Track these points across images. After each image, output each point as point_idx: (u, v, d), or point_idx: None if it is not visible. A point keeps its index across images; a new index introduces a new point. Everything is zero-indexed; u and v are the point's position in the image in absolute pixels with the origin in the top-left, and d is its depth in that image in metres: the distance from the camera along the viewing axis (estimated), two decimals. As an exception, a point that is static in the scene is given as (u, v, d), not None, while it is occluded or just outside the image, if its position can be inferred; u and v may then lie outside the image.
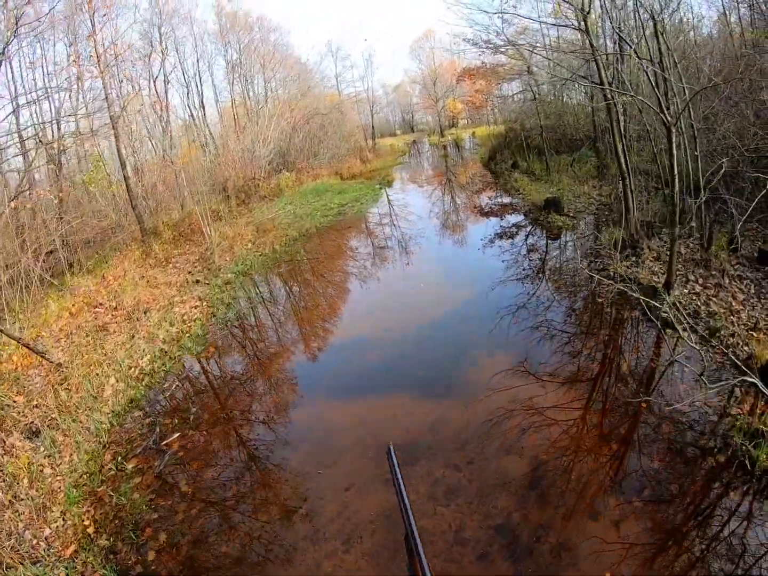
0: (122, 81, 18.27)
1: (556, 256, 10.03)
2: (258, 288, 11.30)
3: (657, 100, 5.99)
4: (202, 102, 26.80)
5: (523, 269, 9.40)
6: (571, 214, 12.11)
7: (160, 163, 19.07)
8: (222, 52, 27.78)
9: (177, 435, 5.77)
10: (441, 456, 4.70)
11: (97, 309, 9.53)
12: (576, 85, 18.04)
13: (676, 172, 6.06)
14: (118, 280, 11.02)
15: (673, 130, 5.79)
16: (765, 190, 6.62)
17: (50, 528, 4.50)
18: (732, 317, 6.09)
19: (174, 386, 7.05)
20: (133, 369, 7.39)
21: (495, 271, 9.49)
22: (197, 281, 11.20)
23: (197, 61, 26.49)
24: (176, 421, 6.12)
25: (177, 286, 10.85)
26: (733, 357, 4.91)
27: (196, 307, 9.73)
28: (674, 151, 5.91)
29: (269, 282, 11.73)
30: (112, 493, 4.91)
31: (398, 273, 10.79)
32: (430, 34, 51.77)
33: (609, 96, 7.55)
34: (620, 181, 11.92)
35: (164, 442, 5.67)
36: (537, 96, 18.30)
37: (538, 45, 11.09)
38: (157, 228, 15.65)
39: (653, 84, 6.01)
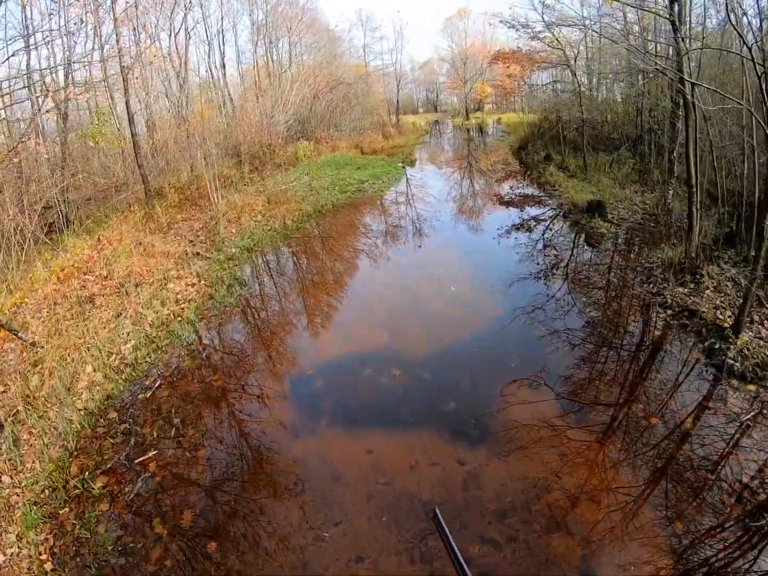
0: (139, 32, 17.34)
1: (601, 268, 9.06)
2: (265, 268, 10.44)
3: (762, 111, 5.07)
4: (223, 61, 25.66)
5: (563, 276, 8.61)
6: (615, 221, 11.15)
7: (173, 121, 18.14)
8: (248, 11, 26.58)
9: (154, 453, 4.88)
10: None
11: (86, 276, 8.62)
12: (621, 80, 17.13)
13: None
14: (113, 244, 10.04)
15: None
16: None
17: (4, 554, 3.74)
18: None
19: (157, 384, 6.08)
20: (113, 357, 6.50)
21: (532, 271, 8.80)
22: (197, 254, 10.32)
23: (221, 18, 25.31)
24: (155, 432, 5.20)
25: (175, 258, 9.94)
26: None
27: (192, 285, 8.86)
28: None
29: (279, 262, 10.85)
30: (75, 521, 4.11)
31: (411, 260, 10.11)
32: (464, 12, 50.32)
33: (689, 96, 6.54)
34: (669, 191, 11.21)
35: (138, 460, 4.80)
36: (579, 87, 17.22)
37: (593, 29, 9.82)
38: (163, 189, 14.69)
39: (764, 94, 5.02)
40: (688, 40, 7.66)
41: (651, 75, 13.33)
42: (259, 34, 26.72)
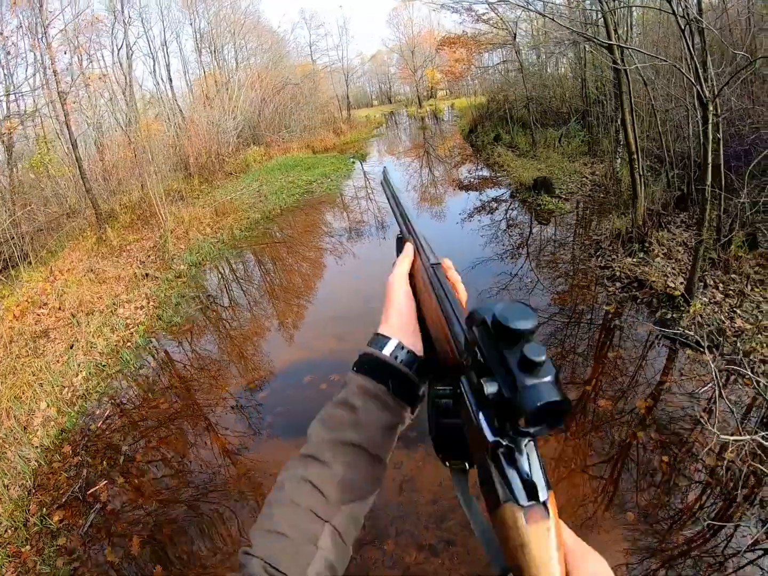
0: (80, 54, 16.83)
1: (549, 245, 8.78)
2: (213, 281, 10.04)
3: (689, 69, 4.78)
4: (169, 74, 25.09)
5: (509, 259, 8.25)
6: (563, 196, 10.93)
7: (121, 140, 17.63)
8: (190, 20, 25.99)
9: (104, 483, 4.76)
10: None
11: (41, 310, 8.43)
12: (567, 53, 16.94)
13: (709, 160, 4.83)
14: (64, 274, 9.83)
15: (710, 108, 4.55)
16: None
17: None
18: (760, 335, 5.02)
19: (106, 413, 5.93)
20: (66, 390, 6.36)
21: (478, 253, 8.53)
22: (147, 275, 9.91)
23: (164, 30, 24.76)
24: (105, 462, 5.06)
25: (125, 281, 9.60)
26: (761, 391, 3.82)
27: (141, 308, 8.53)
28: (710, 134, 4.67)
29: (226, 273, 10.46)
30: (36, 557, 4.08)
31: (374, 252, 9.75)
32: (408, 1, 49.97)
33: (619, 61, 6.25)
34: (616, 161, 10.98)
35: (90, 491, 4.69)
36: (522, 65, 17.00)
37: (529, 6, 9.54)
38: (115, 211, 14.33)
39: (690, 48, 4.72)
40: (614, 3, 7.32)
41: (590, 45, 13.14)
42: (203, 42, 26.17)
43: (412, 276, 0.83)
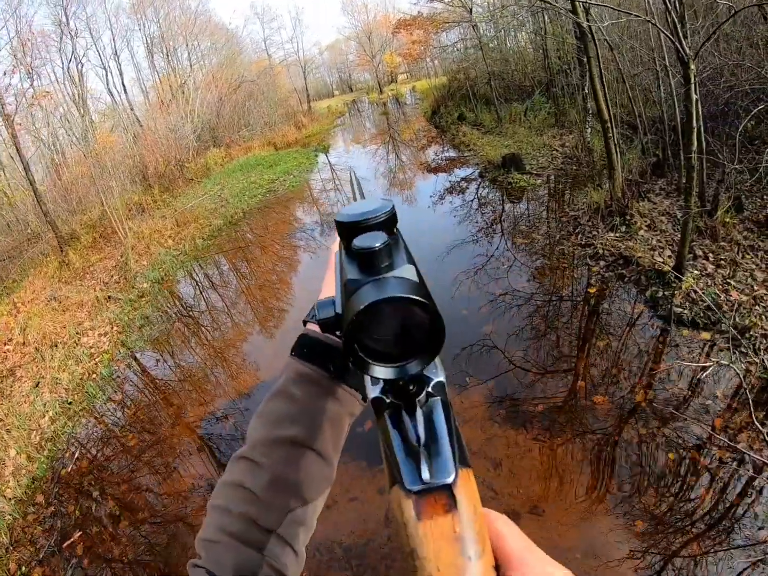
0: (18, 72, 16.22)
1: (523, 224, 8.28)
2: (179, 296, 9.54)
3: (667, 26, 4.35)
4: (123, 83, 24.37)
5: (484, 242, 7.84)
6: (534, 171, 10.53)
7: (78, 156, 17.06)
8: (139, 26, 25.22)
9: (79, 534, 4.52)
10: None
11: (6, 346, 8.15)
12: (526, 24, 16.70)
13: (695, 123, 4.40)
14: (27, 305, 9.53)
15: (692, 66, 4.11)
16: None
17: None
18: (757, 307, 4.67)
19: (75, 456, 5.62)
20: (34, 433, 6.06)
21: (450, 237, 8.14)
22: (109, 297, 9.45)
23: (113, 39, 24.03)
24: (77, 510, 4.80)
25: (88, 306, 9.20)
26: None
27: (105, 335, 8.13)
28: (693, 95, 4.25)
29: (191, 285, 9.97)
30: None
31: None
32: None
33: (584, 23, 5.80)
34: (586, 130, 10.62)
35: (66, 544, 4.45)
36: (480, 41, 16.61)
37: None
38: (76, 231, 13.88)
39: (667, 4, 4.28)
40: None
41: (548, 13, 12.81)
42: (155, 46, 25.47)
43: None
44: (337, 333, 0.60)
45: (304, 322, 0.69)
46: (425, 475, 0.35)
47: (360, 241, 0.39)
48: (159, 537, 4.24)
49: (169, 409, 5.96)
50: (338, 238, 0.68)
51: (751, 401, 2.84)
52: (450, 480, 0.34)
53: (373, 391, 0.41)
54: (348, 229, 0.43)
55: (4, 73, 15.51)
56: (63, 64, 20.23)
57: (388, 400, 0.40)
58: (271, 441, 0.62)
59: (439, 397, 0.39)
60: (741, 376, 2.98)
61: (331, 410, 0.65)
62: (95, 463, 5.44)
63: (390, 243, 0.40)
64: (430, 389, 0.40)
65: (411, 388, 0.39)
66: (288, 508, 0.61)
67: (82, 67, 20.94)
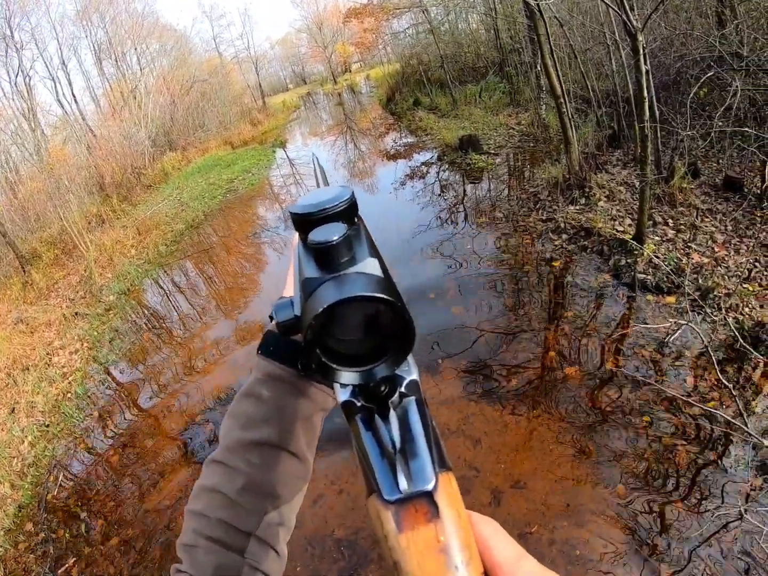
0: None
1: (485, 204, 8.33)
2: (147, 305, 9.36)
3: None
4: (72, 92, 23.74)
5: (448, 224, 7.84)
6: (492, 151, 10.58)
7: (33, 173, 16.61)
8: (86, 33, 24.57)
9: (73, 559, 4.42)
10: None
11: None
12: (476, 6, 16.74)
13: (645, 94, 4.45)
14: None
15: (640, 38, 4.15)
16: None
17: None
18: (719, 268, 4.78)
19: (60, 479, 5.49)
20: (15, 460, 5.87)
21: (413, 221, 8.15)
22: (76, 314, 9.21)
23: (60, 48, 23.34)
24: (68, 534, 4.68)
25: (56, 325, 8.93)
26: (735, 331, 3.56)
27: (76, 352, 7.91)
28: (642, 66, 4.29)
29: (159, 292, 9.81)
30: None
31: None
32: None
33: (534, 3, 5.81)
34: (541, 107, 10.70)
35: (60, 571, 4.35)
36: (431, 25, 16.59)
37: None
38: (37, 250, 13.49)
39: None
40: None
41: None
42: (103, 53, 24.86)
43: None
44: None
45: (271, 319, 0.66)
46: (402, 484, 0.33)
47: (316, 235, 0.36)
48: (151, 549, 4.18)
49: (147, 421, 5.87)
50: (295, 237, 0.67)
51: (714, 360, 2.89)
52: (430, 486, 0.32)
53: (342, 394, 0.38)
54: (303, 222, 0.41)
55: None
56: (10, 78, 19.68)
57: (359, 404, 0.38)
58: (244, 444, 0.61)
59: (413, 397, 0.37)
60: (701, 334, 3.03)
61: (302, 409, 0.64)
62: (79, 484, 5.34)
63: (350, 235, 0.37)
64: (403, 389, 0.38)
65: (383, 389, 0.37)
66: (265, 510, 0.60)
67: (29, 80, 20.40)
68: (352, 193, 0.43)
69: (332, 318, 0.33)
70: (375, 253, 0.38)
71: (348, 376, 0.36)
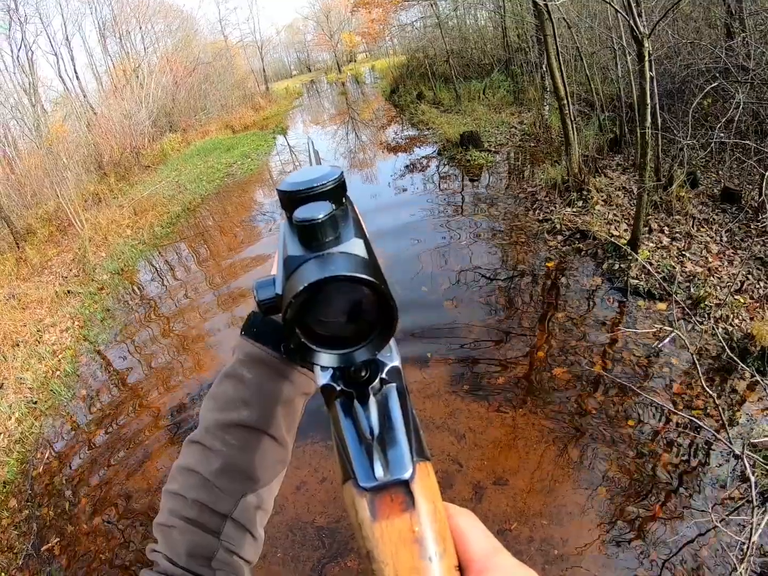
0: None
1: (483, 202, 8.26)
2: (139, 286, 9.33)
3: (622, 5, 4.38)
4: (74, 69, 23.55)
5: (444, 219, 7.81)
6: (493, 149, 10.58)
7: (31, 148, 16.50)
8: (91, 10, 24.36)
9: (56, 540, 4.41)
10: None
11: None
12: (485, 3, 16.69)
13: (648, 101, 4.46)
14: None
15: (646, 44, 4.15)
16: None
17: None
18: (712, 278, 4.81)
19: (47, 456, 5.47)
20: (1, 436, 5.86)
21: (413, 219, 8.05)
22: (69, 292, 9.19)
23: (64, 24, 23.15)
24: (52, 512, 4.69)
25: (48, 303, 8.88)
26: (723, 341, 3.61)
27: (67, 331, 7.89)
28: (647, 73, 4.30)
29: (153, 273, 9.79)
30: None
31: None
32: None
33: (542, 4, 5.80)
34: (545, 108, 10.70)
35: (44, 548, 4.37)
36: (439, 19, 16.54)
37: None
38: (32, 226, 13.42)
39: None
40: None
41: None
42: (108, 30, 24.67)
43: None
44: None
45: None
46: (378, 471, 0.32)
47: (302, 212, 0.36)
48: (134, 531, 4.19)
49: (135, 401, 5.85)
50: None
51: (698, 369, 2.91)
52: (407, 476, 0.32)
53: (322, 378, 0.38)
54: (290, 199, 0.40)
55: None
56: (12, 51, 19.51)
57: (338, 388, 0.37)
58: (223, 425, 0.61)
59: (394, 384, 0.37)
60: (687, 343, 3.05)
61: (284, 392, 0.63)
62: (65, 462, 5.32)
63: (336, 214, 0.37)
64: (384, 375, 0.37)
65: (363, 374, 0.37)
66: (242, 492, 0.60)
67: (32, 54, 20.22)
68: (341, 173, 0.43)
69: (313, 297, 0.33)
70: (361, 233, 0.37)
71: (327, 358, 0.35)
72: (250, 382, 0.62)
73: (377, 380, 0.37)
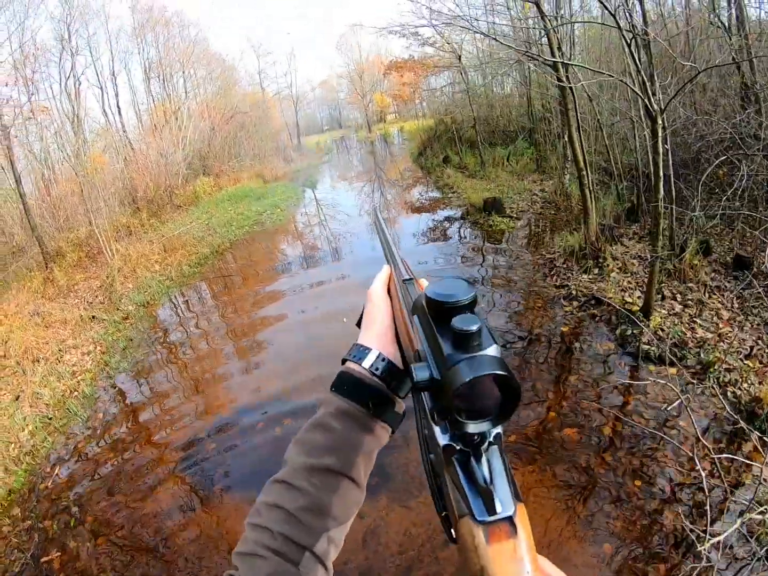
0: (17, 85, 16.36)
1: (502, 266, 8.55)
2: (162, 322, 9.58)
3: (638, 83, 4.70)
4: (117, 104, 24.57)
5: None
6: (514, 215, 10.89)
7: (69, 174, 17.07)
8: (139, 50, 25.55)
9: (57, 552, 4.42)
10: None
11: None
12: (512, 73, 17.13)
13: (661, 173, 4.72)
14: (10, 318, 9.35)
15: (659, 121, 4.44)
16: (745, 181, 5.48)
17: None
18: (722, 343, 4.94)
19: (56, 472, 5.54)
20: (12, 446, 5.96)
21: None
22: (93, 317, 9.45)
23: (112, 60, 24.27)
24: (55, 525, 4.72)
25: (72, 325, 9.15)
26: (726, 404, 3.73)
27: (88, 354, 8.10)
28: (660, 147, 4.56)
29: (175, 312, 10.05)
30: None
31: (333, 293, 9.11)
32: (356, 28, 50.58)
33: (564, 79, 6.16)
34: (565, 176, 10.99)
35: (44, 559, 4.37)
36: (468, 86, 17.11)
37: (474, 27, 9.37)
38: (62, 248, 13.80)
39: (636, 62, 4.62)
40: (557, 21, 7.28)
41: (535, 64, 13.28)
42: (152, 71, 25.76)
43: (389, 292, 0.82)
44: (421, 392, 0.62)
45: (344, 361, 0.75)
46: (498, 508, 0.41)
47: (460, 323, 0.44)
48: (137, 556, 4.20)
49: (148, 431, 5.96)
50: (378, 284, 0.82)
51: (698, 433, 3.03)
52: (511, 512, 0.41)
53: (443, 439, 0.46)
54: (440, 306, 0.49)
55: (6, 84, 15.57)
56: (61, 80, 20.38)
57: (458, 447, 0.45)
58: (310, 468, 0.67)
59: (497, 445, 0.45)
60: (690, 414, 3.18)
61: (366, 443, 0.70)
62: (74, 480, 5.38)
63: (480, 326, 0.44)
64: (491, 439, 0.45)
65: (476, 438, 0.45)
66: (324, 528, 0.65)
67: (79, 84, 21.08)
68: (476, 290, 0.51)
69: (469, 386, 0.41)
70: (496, 340, 0.46)
71: (473, 427, 0.44)
72: (338, 432, 0.69)
73: (486, 443, 0.45)
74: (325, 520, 0.66)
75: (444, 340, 0.46)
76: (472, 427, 0.43)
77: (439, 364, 0.46)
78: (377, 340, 0.73)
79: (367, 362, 0.71)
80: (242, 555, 0.64)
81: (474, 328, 0.43)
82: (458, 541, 0.43)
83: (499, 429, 0.46)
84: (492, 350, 0.44)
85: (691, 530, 3.16)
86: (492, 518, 0.41)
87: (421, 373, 0.47)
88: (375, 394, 0.70)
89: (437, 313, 0.49)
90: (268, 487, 0.69)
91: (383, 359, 0.71)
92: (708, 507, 3.18)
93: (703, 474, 3.10)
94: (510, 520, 0.41)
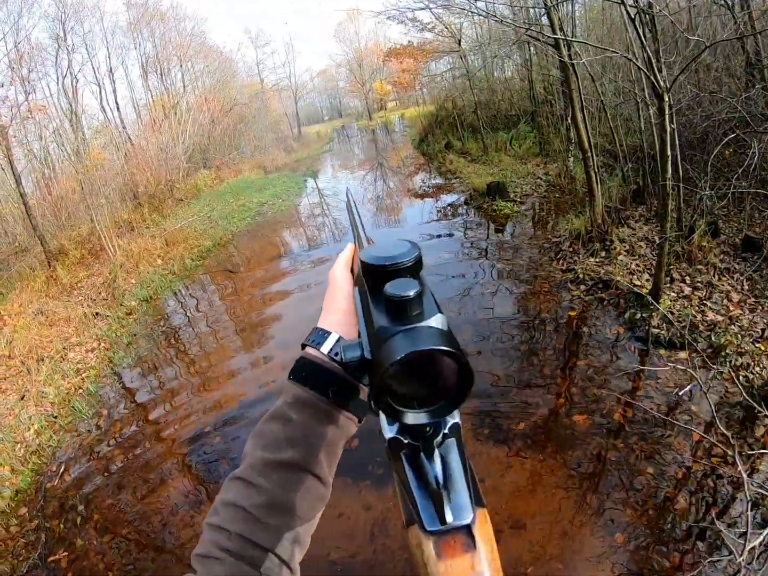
0: (14, 85, 16.32)
1: (507, 251, 8.46)
2: (165, 315, 9.53)
3: (643, 60, 4.56)
4: (116, 100, 24.52)
5: (469, 267, 7.93)
6: (518, 199, 10.76)
7: (69, 172, 17.05)
8: (135, 45, 25.47)
9: (64, 551, 4.42)
10: None
11: None
12: (513, 56, 16.97)
13: (668, 152, 4.59)
14: (14, 318, 9.42)
15: (666, 98, 4.32)
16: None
17: None
18: (733, 326, 4.84)
19: (62, 470, 5.54)
20: (18, 446, 5.97)
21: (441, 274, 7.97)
22: (97, 314, 9.41)
23: (108, 56, 24.19)
24: (62, 524, 4.71)
25: (75, 322, 9.12)
26: (740, 387, 3.63)
27: (92, 351, 8.08)
28: (667, 126, 4.44)
29: (179, 305, 9.98)
30: None
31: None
32: (354, 15, 50.23)
33: (567, 57, 6.02)
34: (569, 159, 10.87)
35: (51, 559, 4.37)
36: (468, 70, 16.93)
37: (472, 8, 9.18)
38: (64, 247, 13.79)
39: (641, 37, 4.49)
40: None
41: (534, 45, 13.12)
42: (150, 66, 25.69)
43: (352, 271, 0.75)
44: (355, 375, 0.62)
45: (303, 346, 0.69)
46: (448, 517, 0.36)
47: (393, 288, 0.38)
48: (144, 553, 4.19)
49: (154, 427, 5.91)
50: (340, 264, 0.74)
51: (716, 417, 2.94)
52: (469, 521, 0.36)
53: (389, 432, 0.41)
54: (374, 272, 0.44)
55: (2, 85, 15.50)
56: (58, 78, 20.38)
57: (405, 441, 0.40)
58: (268, 463, 0.63)
59: (454, 438, 0.41)
60: (707, 395, 3.08)
61: (328, 434, 0.66)
62: (81, 478, 5.36)
63: (421, 291, 0.39)
64: (446, 431, 0.41)
65: (428, 429, 0.40)
66: (286, 528, 0.62)
67: (77, 82, 21.09)
68: (420, 251, 0.46)
69: (404, 366, 0.36)
70: (440, 308, 0.40)
71: (412, 417, 0.38)
72: (297, 423, 0.64)
73: (440, 435, 0.40)
74: (286, 518, 0.62)
75: (378, 310, 0.40)
76: (411, 417, 0.38)
77: (371, 340, 0.41)
78: (338, 324, 0.68)
79: (326, 347, 0.65)
80: (199, 557, 0.60)
81: (411, 293, 0.37)
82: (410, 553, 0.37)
83: (456, 418, 0.41)
84: (435, 321, 0.38)
85: (720, 530, 3.09)
86: (444, 528, 0.35)
87: (350, 352, 0.42)
88: (335, 381, 0.65)
89: (374, 281, 0.44)
90: (227, 484, 0.65)
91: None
92: (747, 511, 3.11)
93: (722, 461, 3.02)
94: (467, 530, 0.36)
